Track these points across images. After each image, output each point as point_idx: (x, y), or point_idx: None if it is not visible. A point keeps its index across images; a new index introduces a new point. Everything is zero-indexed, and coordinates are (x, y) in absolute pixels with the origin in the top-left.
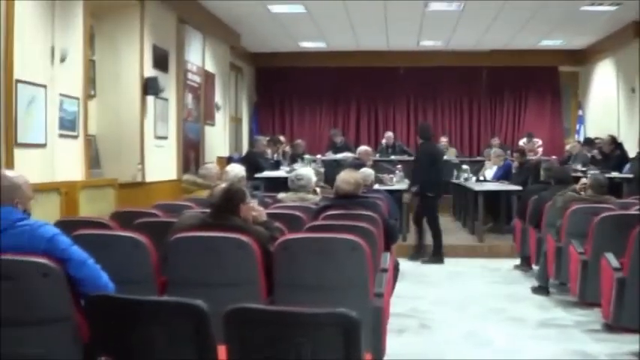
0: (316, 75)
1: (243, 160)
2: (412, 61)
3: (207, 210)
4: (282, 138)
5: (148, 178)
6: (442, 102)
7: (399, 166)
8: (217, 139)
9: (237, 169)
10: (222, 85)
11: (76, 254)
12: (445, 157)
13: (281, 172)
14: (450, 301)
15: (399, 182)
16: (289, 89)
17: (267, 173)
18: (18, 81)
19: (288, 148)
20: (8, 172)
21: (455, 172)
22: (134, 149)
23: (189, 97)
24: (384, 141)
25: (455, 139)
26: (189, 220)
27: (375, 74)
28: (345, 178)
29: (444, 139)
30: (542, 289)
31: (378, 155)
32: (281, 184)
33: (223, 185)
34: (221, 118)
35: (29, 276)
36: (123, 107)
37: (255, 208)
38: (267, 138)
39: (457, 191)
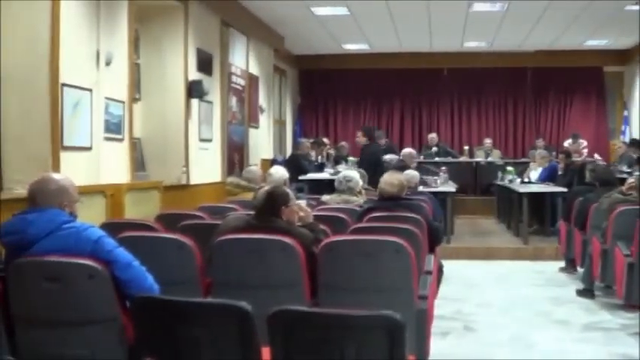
0: (359, 77)
1: (287, 163)
2: (456, 62)
3: (252, 212)
4: (325, 140)
5: (193, 181)
6: (486, 103)
7: (443, 167)
8: (261, 142)
9: (280, 172)
10: (266, 88)
11: (121, 256)
12: (489, 159)
13: (325, 175)
14: (495, 303)
15: (443, 184)
16: (333, 91)
17: (310, 175)
18: (64, 85)
19: (331, 150)
20: (55, 175)
21: (499, 174)
22: (179, 152)
23: (234, 100)
24: (428, 143)
25: (499, 140)
26: (233, 222)
27: (419, 76)
28: (389, 180)
29: (488, 141)
30: (587, 292)
31: (422, 157)
32: (324, 186)
33: (267, 188)
34: (265, 120)
35: (75, 277)
36: (168, 110)
37: (303, 209)
38: (311, 140)
39: (501, 193)
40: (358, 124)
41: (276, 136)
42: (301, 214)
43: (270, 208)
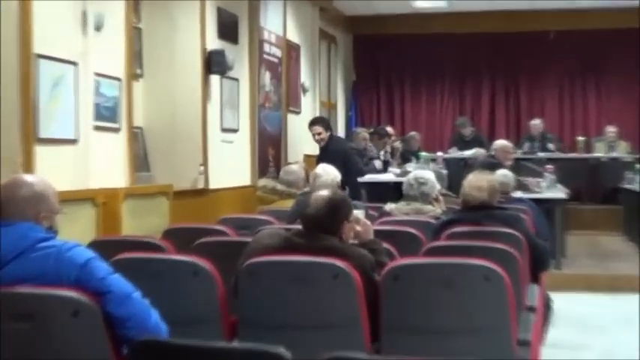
0: (435, 45)
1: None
2: (566, 23)
3: (293, 226)
4: (389, 130)
5: (213, 184)
6: (609, 78)
7: (550, 166)
8: (304, 132)
9: (331, 172)
10: (311, 61)
11: (117, 286)
12: (614, 154)
13: (389, 176)
14: (625, 354)
15: (549, 188)
16: (399, 64)
17: (370, 177)
18: (39, 56)
19: (398, 144)
20: (28, 178)
21: (628, 175)
22: (194, 146)
23: (267, 77)
24: (529, 132)
25: (627, 129)
26: (267, 239)
27: (516, 42)
28: (475, 183)
29: (611, 130)
30: None
31: (520, 152)
32: (389, 192)
33: (323, 193)
34: (309, 103)
35: (55, 314)
36: (179, 91)
37: (361, 222)
38: (370, 130)
39: (630, 201)
40: (433, 108)
41: None
42: (358, 228)
43: (328, 222)
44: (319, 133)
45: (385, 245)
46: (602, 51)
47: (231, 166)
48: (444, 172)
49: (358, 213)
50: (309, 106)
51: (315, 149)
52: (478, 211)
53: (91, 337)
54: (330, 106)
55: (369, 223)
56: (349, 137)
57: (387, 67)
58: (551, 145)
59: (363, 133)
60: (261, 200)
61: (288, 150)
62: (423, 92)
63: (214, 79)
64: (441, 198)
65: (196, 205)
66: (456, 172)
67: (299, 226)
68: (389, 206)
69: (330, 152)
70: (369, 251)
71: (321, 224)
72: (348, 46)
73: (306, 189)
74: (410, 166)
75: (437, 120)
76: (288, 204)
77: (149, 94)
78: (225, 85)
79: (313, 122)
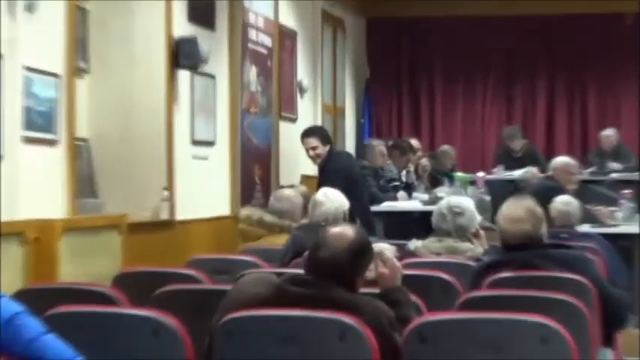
0: (475, 31)
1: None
2: None
3: (286, 270)
4: (414, 143)
5: (181, 215)
6: None
7: (628, 190)
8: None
9: (336, 199)
10: (311, 52)
11: (51, 350)
12: None
13: (414, 204)
14: None
15: (627, 220)
16: (426, 57)
17: (388, 205)
18: None
19: (425, 161)
20: None
21: None
22: (156, 164)
23: (253, 73)
24: (600, 145)
25: None
26: (253, 287)
27: (581, 28)
28: (510, 213)
29: None
30: None
31: (587, 172)
32: (413, 225)
33: (344, 231)
34: (308, 107)
35: None
36: (137, 91)
37: (389, 262)
38: (390, 142)
39: None
40: (472, 114)
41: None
42: (383, 269)
43: (347, 271)
44: (314, 148)
45: (411, 295)
46: None
47: (205, 190)
48: (487, 198)
49: (387, 249)
50: (309, 112)
51: (314, 167)
52: (527, 250)
53: None
54: (336, 112)
55: (398, 264)
56: (361, 152)
57: (411, 61)
58: (627, 163)
59: (379, 146)
60: (244, 235)
61: (281, 169)
62: (458, 94)
63: (183, 75)
64: (482, 233)
65: (158, 241)
66: (502, 199)
67: (296, 270)
68: (414, 244)
69: (328, 172)
70: (389, 303)
71: (339, 273)
72: (360, 33)
73: (304, 221)
74: (441, 191)
75: (477, 130)
76: (279, 240)
77: (97, 96)
78: (197, 84)
79: (306, 134)
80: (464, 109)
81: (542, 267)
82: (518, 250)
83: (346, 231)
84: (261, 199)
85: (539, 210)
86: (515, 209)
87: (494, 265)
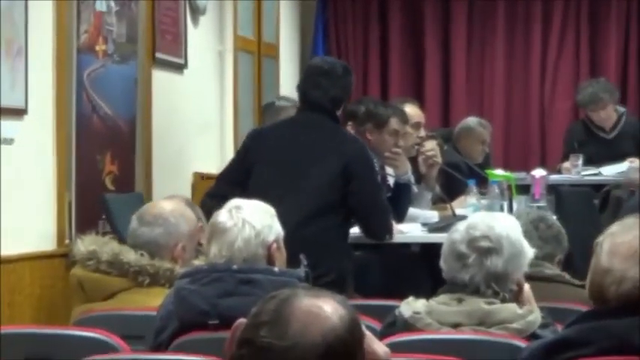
0: None
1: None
2: None
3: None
4: (409, 110)
5: None
6: None
7: None
8: (196, 115)
9: (260, 220)
10: None
11: None
12: None
13: (411, 229)
14: None
15: None
16: None
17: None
18: None
19: (431, 144)
20: None
21: None
22: None
23: None
24: None
25: None
26: None
27: None
28: (624, 248)
29: None
30: None
31: None
32: (407, 268)
33: (308, 304)
34: (207, 43)
35: None
36: None
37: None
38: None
39: None
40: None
41: (248, 97)
42: (377, 349)
43: None
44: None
45: None
46: None
47: (6, 204)
48: (553, 218)
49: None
50: (207, 53)
51: (221, 160)
52: (633, 316)
53: None
54: (264, 52)
55: (384, 350)
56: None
57: None
58: None
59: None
60: (83, 289)
61: (155, 161)
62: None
63: None
64: (527, 288)
65: None
66: (580, 218)
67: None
68: (410, 307)
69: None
70: None
71: None
72: None
73: (197, 262)
74: (464, 204)
75: (534, 88)
76: (151, 300)
77: None
78: None
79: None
80: (506, 48)
81: None
82: (623, 314)
83: (324, 306)
84: (116, 219)
85: None
86: (629, 241)
87: (566, 343)
